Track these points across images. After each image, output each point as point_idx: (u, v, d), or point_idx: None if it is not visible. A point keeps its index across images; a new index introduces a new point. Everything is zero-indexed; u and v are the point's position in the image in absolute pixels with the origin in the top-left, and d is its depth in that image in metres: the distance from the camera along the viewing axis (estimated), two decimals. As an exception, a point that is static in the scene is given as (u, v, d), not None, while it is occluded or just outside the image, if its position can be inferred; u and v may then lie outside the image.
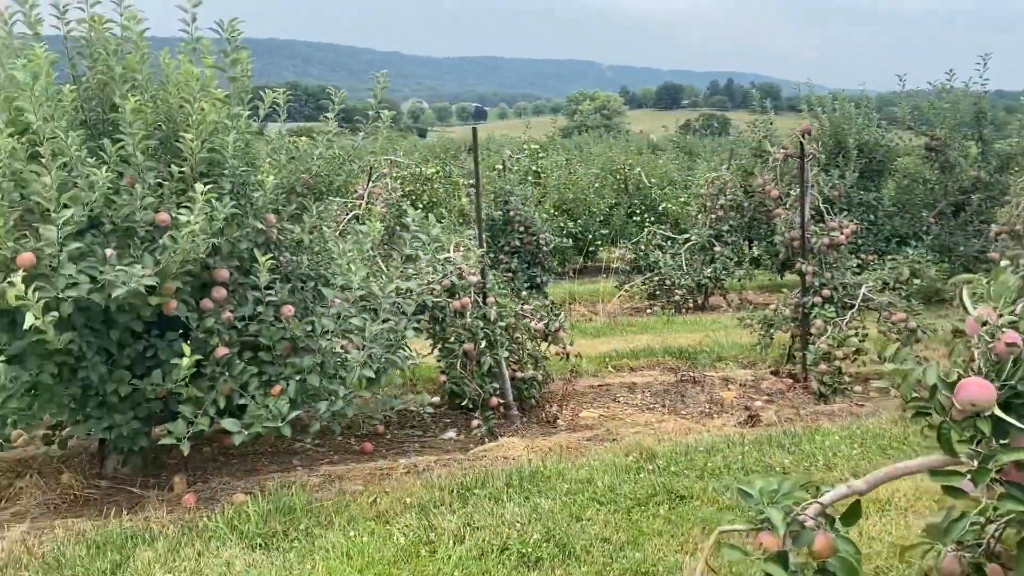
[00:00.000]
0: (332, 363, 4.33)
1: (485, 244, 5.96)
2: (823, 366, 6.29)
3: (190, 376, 4.05)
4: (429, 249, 4.83)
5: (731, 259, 10.91)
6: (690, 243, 11.16)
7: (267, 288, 4.37)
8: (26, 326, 3.38)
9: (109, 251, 3.91)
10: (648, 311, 10.91)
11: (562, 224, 13.58)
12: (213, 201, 3.95)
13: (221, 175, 4.44)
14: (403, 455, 5.33)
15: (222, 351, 4.22)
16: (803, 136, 6.37)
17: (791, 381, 6.88)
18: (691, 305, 10.83)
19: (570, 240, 13.05)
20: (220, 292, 4.33)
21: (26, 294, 3.32)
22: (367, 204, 9.82)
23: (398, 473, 4.81)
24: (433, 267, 4.81)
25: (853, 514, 2.01)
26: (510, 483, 4.38)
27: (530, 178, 13.80)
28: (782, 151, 6.54)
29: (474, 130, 5.38)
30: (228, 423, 4.05)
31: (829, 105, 11.38)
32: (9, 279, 3.36)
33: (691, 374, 6.99)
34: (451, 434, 5.70)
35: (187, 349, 3.97)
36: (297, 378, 4.26)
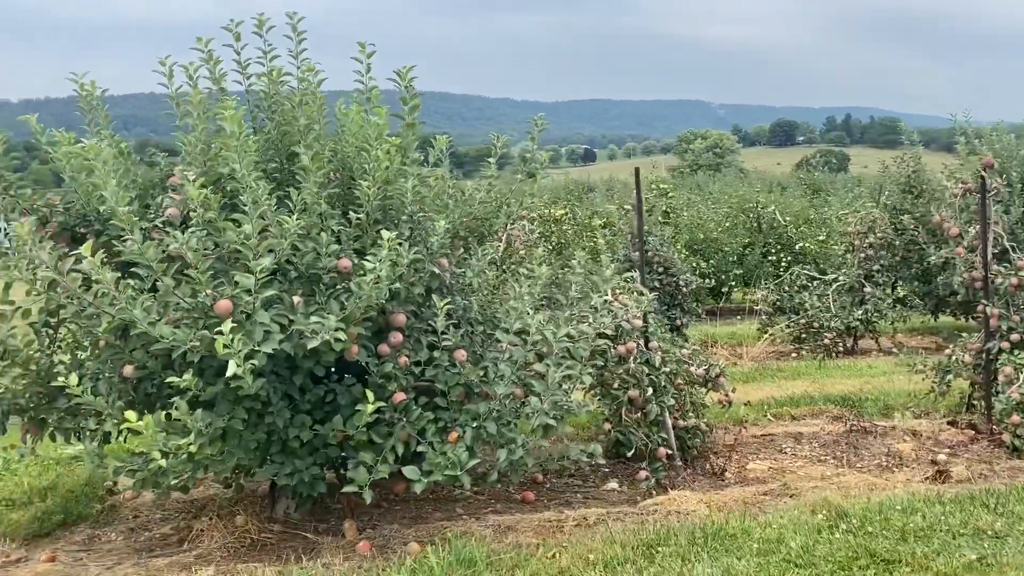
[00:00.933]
0: (509, 410, 4.23)
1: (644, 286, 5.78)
2: (1016, 417, 5.76)
3: (370, 422, 4.03)
4: (605, 292, 4.70)
5: (883, 300, 10.35)
6: (838, 283, 10.65)
7: (442, 333, 4.32)
8: (229, 373, 3.43)
9: (296, 299, 3.96)
10: (794, 355, 10.43)
11: (694, 264, 13.26)
12: (398, 247, 3.95)
13: (398, 220, 4.46)
14: (567, 506, 5.17)
15: (400, 396, 4.19)
16: (984, 170, 5.94)
17: (972, 432, 6.36)
18: (841, 349, 10.29)
19: (711, 280, 12.71)
20: (397, 337, 4.32)
21: (232, 342, 3.37)
22: (506, 247, 9.82)
23: (569, 526, 4.64)
24: (603, 310, 4.66)
25: None
26: (694, 541, 4.14)
27: (660, 218, 13.56)
28: (961, 186, 6.11)
29: (636, 170, 5.25)
30: (409, 471, 4.00)
31: (988, 136, 10.69)
32: (218, 328, 3.42)
33: (861, 424, 6.56)
34: (613, 485, 5.50)
35: (370, 395, 3.95)
36: (474, 425, 4.18)
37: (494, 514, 5.03)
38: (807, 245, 14.29)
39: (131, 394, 4.22)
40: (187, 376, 3.60)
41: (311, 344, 3.69)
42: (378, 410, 4.06)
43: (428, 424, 4.19)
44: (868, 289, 10.45)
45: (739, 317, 13.51)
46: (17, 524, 4.94)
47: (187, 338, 3.55)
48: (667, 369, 5.40)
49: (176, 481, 3.96)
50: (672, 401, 5.36)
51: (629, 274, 6.05)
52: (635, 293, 5.23)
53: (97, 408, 3.80)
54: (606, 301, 5.48)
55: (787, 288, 11.06)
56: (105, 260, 3.79)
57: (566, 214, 13.70)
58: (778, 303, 11.08)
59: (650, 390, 5.21)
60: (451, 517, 4.99)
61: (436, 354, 4.33)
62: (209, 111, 4.27)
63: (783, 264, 14.31)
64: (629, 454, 5.26)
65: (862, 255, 10.72)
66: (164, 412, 4.26)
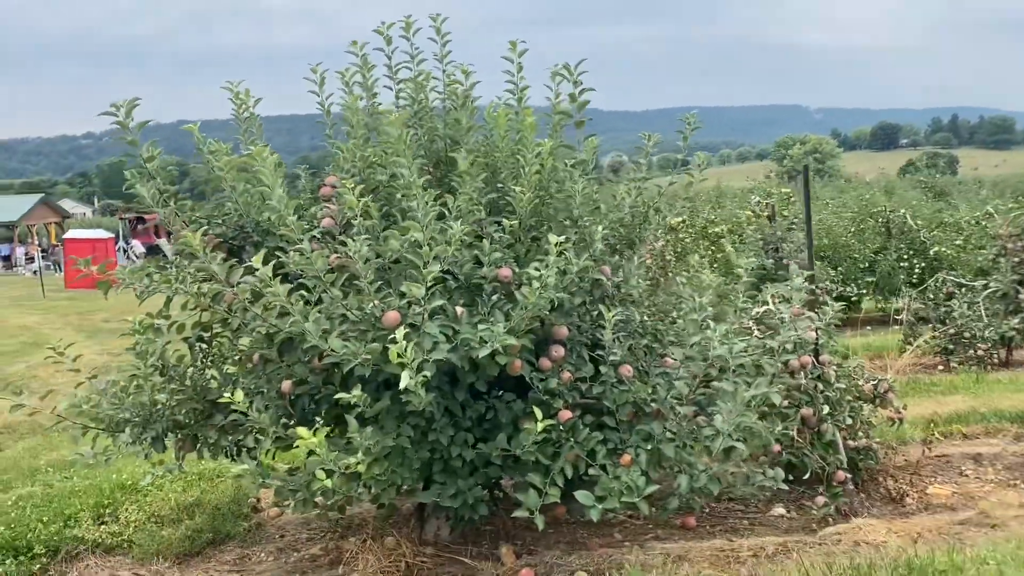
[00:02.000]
0: (685, 431, 3.89)
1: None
2: None
3: (537, 442, 3.76)
4: (798, 302, 4.32)
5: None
6: (989, 290, 9.85)
7: (609, 346, 4.02)
8: (402, 386, 3.21)
9: (459, 309, 3.73)
10: (940, 367, 9.70)
11: (824, 272, 12.59)
12: (567, 254, 3.68)
13: (550, 225, 4.21)
14: (734, 533, 4.78)
15: (566, 414, 3.90)
16: None
17: None
18: (996, 361, 9.50)
19: (850, 288, 12.01)
20: (559, 351, 4.04)
21: (405, 352, 3.15)
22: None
23: (745, 556, 4.25)
24: (792, 323, 4.28)
25: None
26: (900, 578, 3.70)
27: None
28: None
29: (805, 168, 4.84)
30: (582, 496, 3.70)
31: None
32: (391, 337, 3.22)
33: (1051, 444, 5.93)
34: (779, 510, 5.07)
35: (538, 412, 3.68)
36: (648, 447, 3.85)
37: (656, 541, 4.69)
38: (942, 250, 13.40)
39: (288, 410, 4.06)
40: (356, 391, 3.40)
41: (481, 353, 3.44)
42: (543, 429, 3.79)
43: (597, 445, 3.88)
44: (1023, 297, 9.63)
45: (869, 328, 12.76)
46: (168, 542, 4.88)
47: (357, 351, 3.36)
48: (841, 385, 4.95)
49: (336, 500, 3.77)
50: (850, 420, 4.90)
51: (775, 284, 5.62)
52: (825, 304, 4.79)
53: (261, 426, 3.65)
54: (765, 311, 5.10)
55: (932, 296, 10.31)
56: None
57: (683, 222, 13.23)
58: (920, 312, 10.33)
59: (825, 408, 4.77)
60: (611, 544, 4.68)
61: (603, 369, 4.03)
62: (367, 119, 4.11)
63: (916, 271, 13.48)
64: (804, 476, 4.81)
65: (1016, 259, 9.90)
66: (325, 429, 4.10)
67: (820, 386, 4.84)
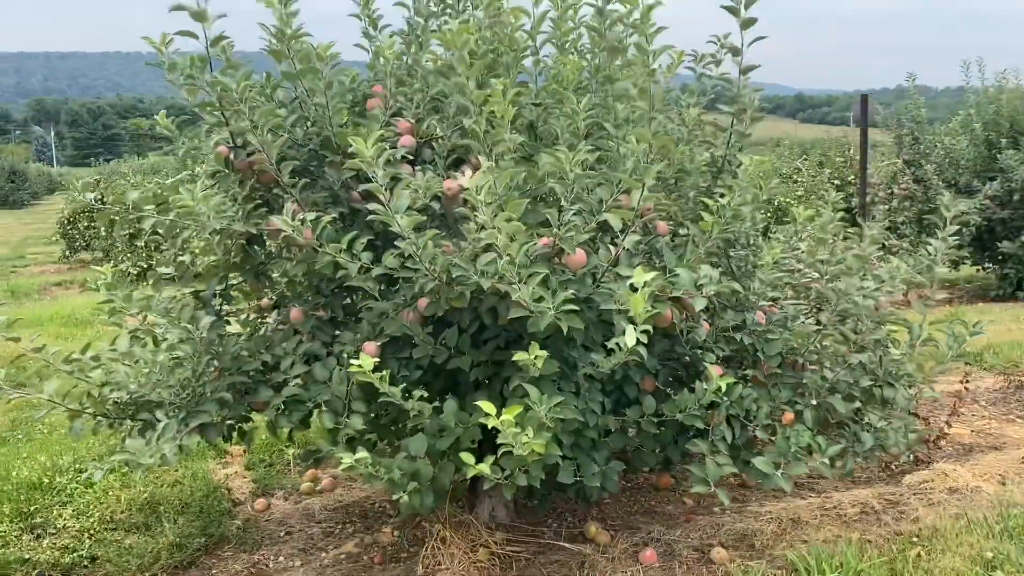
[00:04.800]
0: (846, 382, 3.48)
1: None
2: None
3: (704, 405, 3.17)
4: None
5: (911, 252, 10.21)
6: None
7: (757, 289, 3.50)
8: (630, 344, 2.49)
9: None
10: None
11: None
12: (759, 179, 3.09)
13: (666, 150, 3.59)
14: (803, 488, 4.48)
15: (717, 370, 3.33)
16: None
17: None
18: (875, 304, 10.11)
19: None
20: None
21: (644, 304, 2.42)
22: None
23: (850, 512, 3.96)
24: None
25: None
26: (1057, 525, 3.55)
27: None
28: None
29: (864, 97, 4.53)
30: (760, 463, 3.16)
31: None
32: (631, 283, 2.46)
33: (1020, 377, 6.23)
34: (824, 461, 4.85)
35: (713, 372, 3.09)
36: (814, 402, 3.40)
37: (736, 503, 4.28)
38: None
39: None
40: (535, 350, 2.62)
41: (699, 306, 2.79)
42: (724, 387, 3.18)
43: (752, 403, 3.35)
44: (894, 241, 10.27)
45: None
46: (152, 554, 3.77)
47: (552, 302, 2.56)
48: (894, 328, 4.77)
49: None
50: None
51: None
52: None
53: (393, 400, 2.74)
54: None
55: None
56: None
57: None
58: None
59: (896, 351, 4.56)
60: (693, 510, 4.19)
61: (748, 316, 3.49)
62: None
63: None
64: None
65: (884, 207, 10.53)
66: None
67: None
